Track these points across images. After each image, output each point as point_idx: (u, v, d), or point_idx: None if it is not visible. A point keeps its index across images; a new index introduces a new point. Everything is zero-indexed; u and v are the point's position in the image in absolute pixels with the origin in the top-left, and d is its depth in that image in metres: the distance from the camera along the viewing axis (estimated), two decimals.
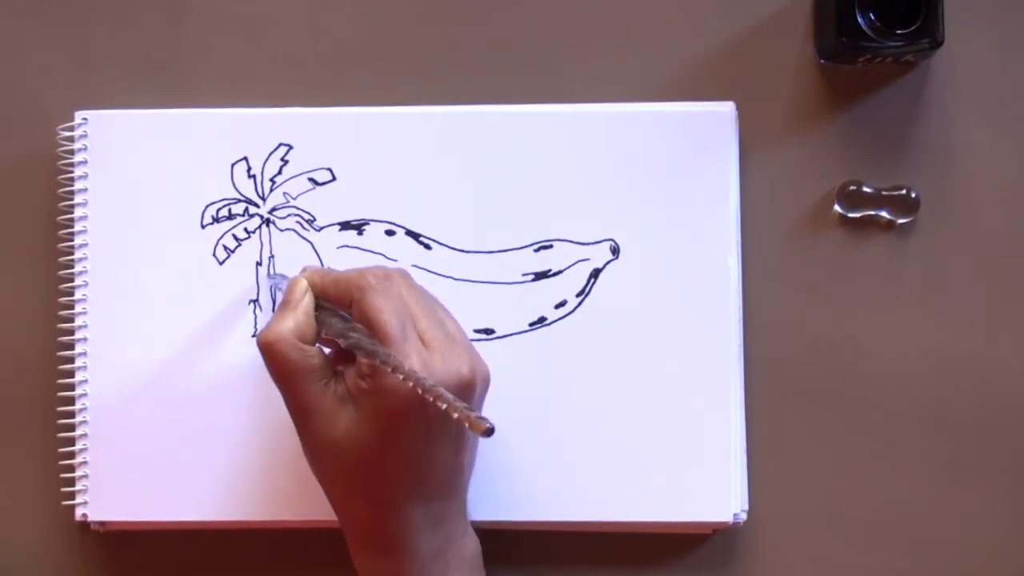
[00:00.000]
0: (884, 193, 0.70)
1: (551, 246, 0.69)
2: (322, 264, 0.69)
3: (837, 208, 0.70)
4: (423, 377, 0.57)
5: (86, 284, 0.69)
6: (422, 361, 0.58)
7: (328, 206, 0.69)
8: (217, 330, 0.69)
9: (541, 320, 0.69)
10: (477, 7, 0.71)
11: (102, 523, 0.69)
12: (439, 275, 0.69)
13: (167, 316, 0.69)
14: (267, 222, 0.69)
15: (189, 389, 0.68)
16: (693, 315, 0.68)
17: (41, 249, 0.71)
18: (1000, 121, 0.70)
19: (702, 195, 0.69)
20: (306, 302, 0.62)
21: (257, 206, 0.69)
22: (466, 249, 0.69)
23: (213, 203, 0.69)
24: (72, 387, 0.69)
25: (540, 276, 0.69)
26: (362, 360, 0.59)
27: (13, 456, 0.70)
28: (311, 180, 0.69)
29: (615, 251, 0.69)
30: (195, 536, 0.70)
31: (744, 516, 0.68)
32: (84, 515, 0.68)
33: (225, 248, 0.69)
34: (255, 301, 0.69)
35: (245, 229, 0.69)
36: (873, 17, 0.67)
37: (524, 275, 0.69)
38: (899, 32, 0.66)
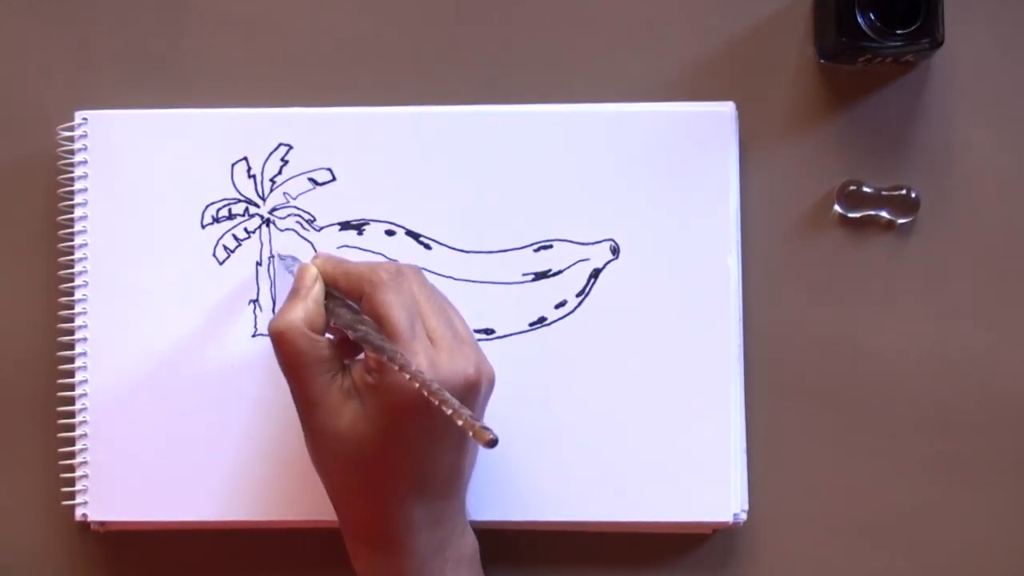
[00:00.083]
0: (884, 193, 0.70)
1: (551, 246, 0.69)
2: None
3: (837, 208, 0.70)
4: (430, 380, 0.57)
5: (86, 284, 0.69)
6: (429, 359, 0.58)
7: (328, 206, 0.69)
8: (217, 330, 0.69)
9: (541, 320, 0.69)
10: (477, 7, 0.71)
11: (102, 523, 0.69)
12: (439, 275, 0.69)
13: (167, 316, 0.69)
14: (267, 222, 0.69)
15: (189, 389, 0.68)
16: (693, 315, 0.68)
17: (41, 249, 0.71)
18: (1000, 121, 0.70)
19: (702, 195, 0.69)
20: (316, 291, 0.62)
21: (257, 206, 0.69)
22: (466, 249, 0.69)
23: (213, 203, 0.69)
24: (72, 387, 0.69)
25: (540, 276, 0.69)
26: (369, 355, 0.59)
27: (13, 456, 0.70)
28: (311, 180, 0.69)
29: (615, 251, 0.69)
30: (195, 536, 0.70)
31: (744, 516, 0.68)
32: (84, 515, 0.68)
33: (225, 248, 0.69)
34: (255, 301, 0.69)
35: (245, 229, 0.69)
36: (873, 17, 0.67)
37: (524, 275, 0.69)
38: (899, 32, 0.66)
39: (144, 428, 0.68)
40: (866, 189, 0.70)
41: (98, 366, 0.68)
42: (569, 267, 0.69)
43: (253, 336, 0.69)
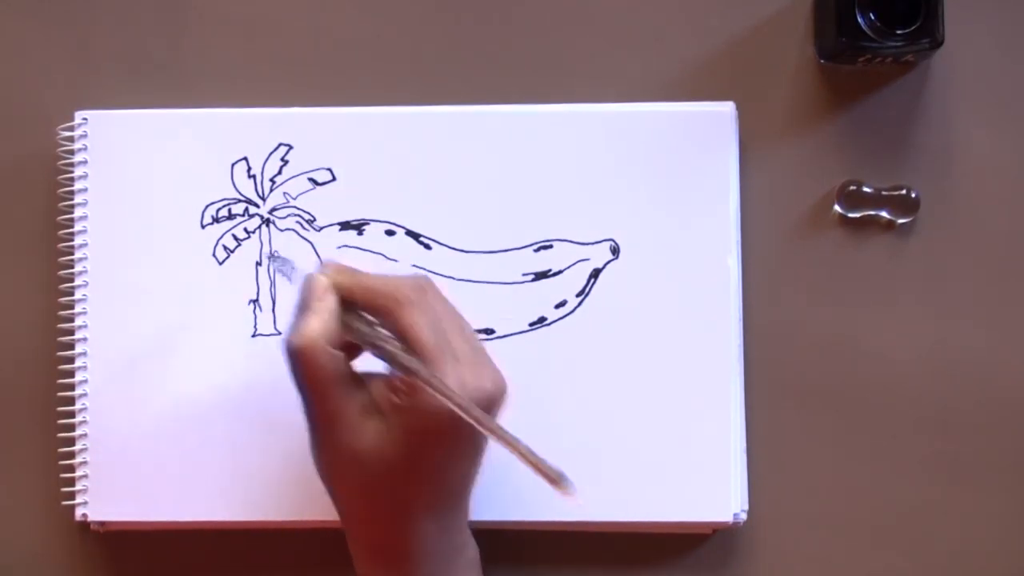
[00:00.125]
0: (884, 193, 0.70)
1: (551, 246, 0.69)
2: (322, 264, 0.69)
3: (837, 208, 0.70)
4: (483, 415, 0.56)
5: (86, 284, 0.69)
6: (457, 378, 0.56)
7: (328, 206, 0.69)
8: (217, 330, 0.69)
9: (541, 320, 0.69)
10: (477, 7, 0.71)
11: (102, 523, 0.69)
12: (439, 275, 0.69)
13: (167, 316, 0.69)
14: (267, 222, 0.69)
15: (189, 389, 0.68)
16: (693, 315, 0.68)
17: (41, 249, 0.71)
18: (1000, 121, 0.70)
19: (702, 195, 0.69)
20: (332, 303, 0.58)
21: (257, 206, 0.69)
22: (466, 249, 0.69)
23: (213, 203, 0.69)
24: (72, 387, 0.69)
25: (540, 276, 0.69)
26: (398, 374, 0.57)
27: (13, 456, 0.70)
28: (311, 180, 0.69)
29: (615, 251, 0.69)
30: (195, 536, 0.70)
31: (744, 516, 0.68)
32: (84, 515, 0.68)
33: (225, 248, 0.69)
34: (255, 301, 0.69)
35: (245, 229, 0.69)
36: (873, 17, 0.67)
37: (524, 275, 0.69)
38: (899, 32, 0.66)
39: (144, 428, 0.68)
40: (866, 189, 0.70)
41: (98, 366, 0.68)
42: (569, 267, 0.69)
43: (253, 336, 0.69)
